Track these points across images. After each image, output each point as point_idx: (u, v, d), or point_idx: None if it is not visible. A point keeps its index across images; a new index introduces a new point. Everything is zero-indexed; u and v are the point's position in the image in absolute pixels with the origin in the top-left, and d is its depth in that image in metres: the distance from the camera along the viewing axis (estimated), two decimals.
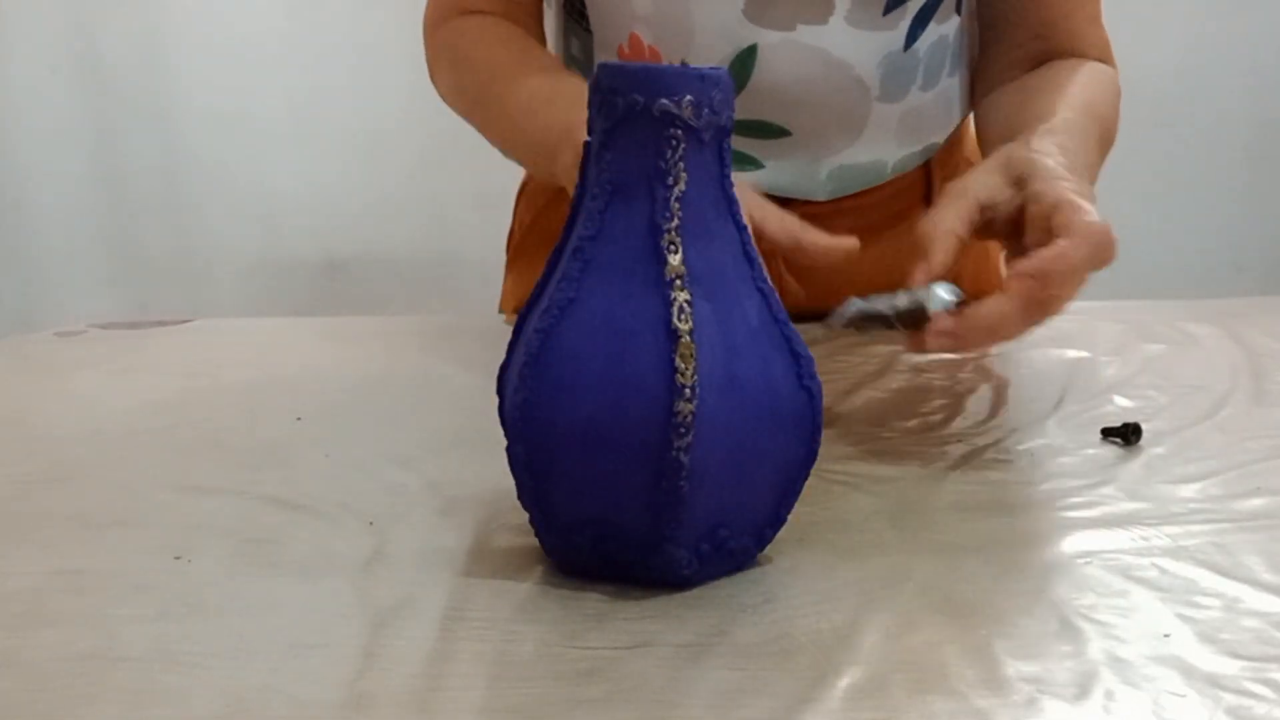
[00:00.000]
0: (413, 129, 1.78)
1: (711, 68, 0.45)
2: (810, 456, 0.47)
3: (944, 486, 0.57)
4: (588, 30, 0.81)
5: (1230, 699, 0.38)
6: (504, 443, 0.50)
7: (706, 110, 0.44)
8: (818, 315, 0.86)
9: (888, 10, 0.76)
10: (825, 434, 0.63)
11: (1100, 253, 0.57)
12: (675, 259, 0.43)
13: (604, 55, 0.81)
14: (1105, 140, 0.76)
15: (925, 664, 0.41)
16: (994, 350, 0.79)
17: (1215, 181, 2.01)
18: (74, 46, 1.91)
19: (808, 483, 0.57)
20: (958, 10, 0.81)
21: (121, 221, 1.99)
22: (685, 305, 0.43)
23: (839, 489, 0.56)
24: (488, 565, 0.49)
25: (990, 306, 0.56)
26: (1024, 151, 0.63)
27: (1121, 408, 0.67)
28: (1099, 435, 0.62)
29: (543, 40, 0.86)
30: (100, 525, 0.54)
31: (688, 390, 0.42)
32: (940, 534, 0.51)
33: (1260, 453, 0.60)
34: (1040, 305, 0.57)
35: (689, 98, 0.43)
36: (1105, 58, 0.83)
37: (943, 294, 0.59)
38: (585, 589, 0.47)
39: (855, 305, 0.60)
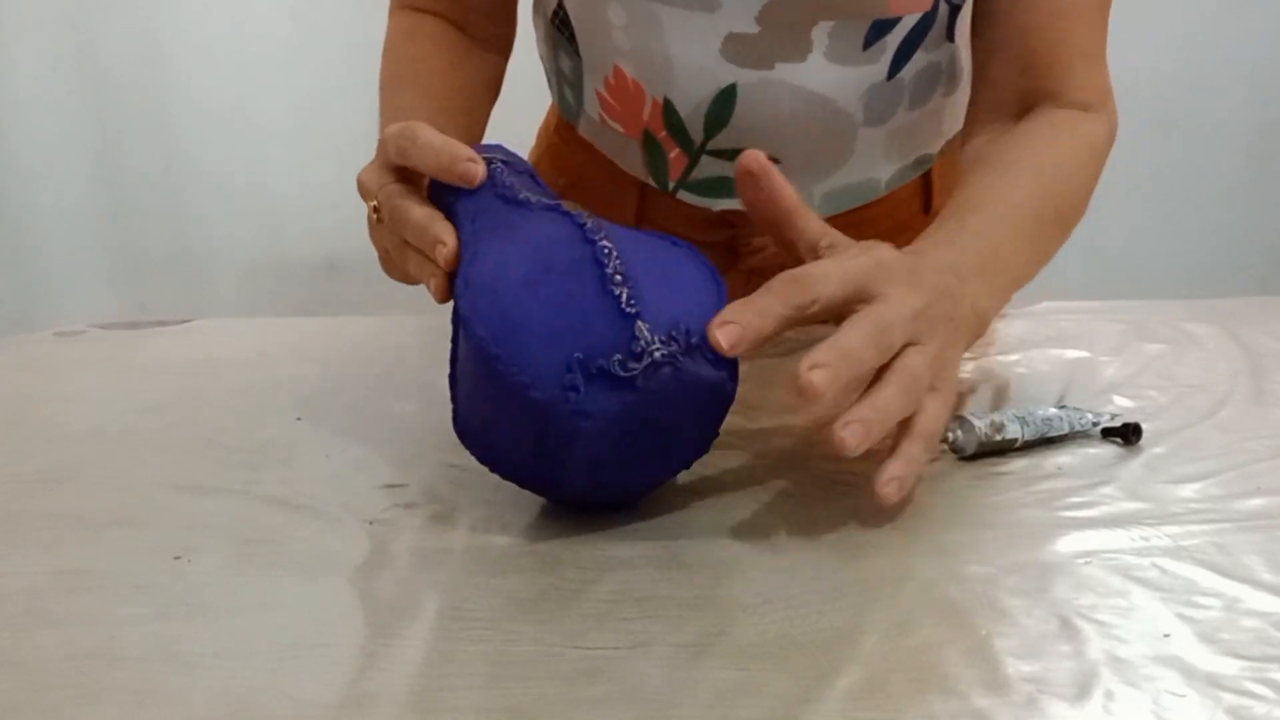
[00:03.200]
0: None
1: (487, 147, 0.61)
2: (719, 285, 0.53)
3: (944, 486, 0.57)
4: (578, 55, 0.81)
5: (1230, 699, 0.38)
6: None
7: (513, 158, 0.60)
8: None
9: (868, 45, 0.74)
10: (825, 434, 0.64)
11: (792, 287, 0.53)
12: (532, 196, 0.55)
13: (593, 80, 0.81)
14: (1051, 223, 0.68)
15: (925, 664, 0.41)
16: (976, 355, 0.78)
17: (1215, 181, 2.01)
18: (74, 46, 1.91)
19: (808, 482, 0.57)
20: (949, 38, 0.78)
21: (121, 222, 1.99)
22: (552, 202, 0.54)
23: (839, 489, 0.56)
24: (488, 565, 0.49)
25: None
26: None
27: (1121, 408, 0.67)
28: (1099, 435, 0.62)
29: (499, 33, 0.84)
30: (100, 525, 0.54)
31: (584, 217, 0.52)
32: (940, 534, 0.51)
33: (1260, 453, 0.60)
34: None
35: (499, 153, 0.59)
36: (1094, 103, 0.73)
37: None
38: (585, 589, 0.47)
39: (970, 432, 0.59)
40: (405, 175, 0.60)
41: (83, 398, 0.74)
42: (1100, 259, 1.97)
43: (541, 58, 0.89)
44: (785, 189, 0.57)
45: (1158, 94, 1.92)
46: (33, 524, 0.54)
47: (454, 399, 0.54)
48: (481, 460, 0.53)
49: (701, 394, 0.50)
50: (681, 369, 0.48)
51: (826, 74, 0.75)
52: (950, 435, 0.59)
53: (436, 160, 0.56)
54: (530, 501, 0.54)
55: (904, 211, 0.87)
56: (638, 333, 0.47)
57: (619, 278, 0.48)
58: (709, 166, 0.80)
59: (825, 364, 0.50)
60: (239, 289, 2.02)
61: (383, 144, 0.59)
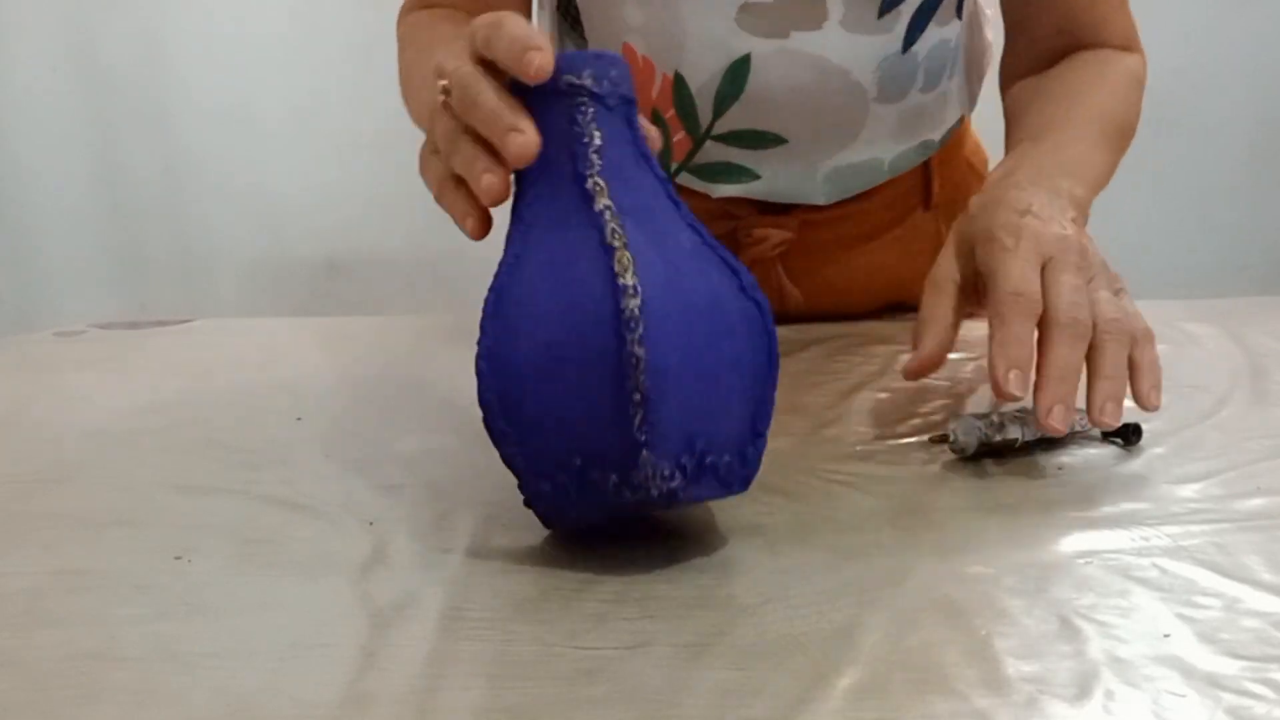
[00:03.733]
0: (413, 129, 1.78)
1: (603, 51, 0.50)
2: (771, 366, 0.48)
3: (944, 486, 0.57)
4: (583, 38, 0.81)
5: (1230, 699, 0.38)
6: None
7: (606, 81, 0.48)
8: (817, 317, 0.87)
9: (882, 13, 0.75)
10: (825, 434, 0.64)
11: (1013, 301, 0.58)
12: (603, 197, 0.47)
13: None
14: (1114, 138, 0.75)
15: (925, 664, 0.41)
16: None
17: (1216, 181, 2.01)
18: (74, 46, 1.91)
19: (808, 482, 0.57)
20: (958, 14, 0.80)
21: (121, 221, 1.99)
22: (617, 227, 0.45)
23: (839, 489, 0.56)
24: (488, 565, 0.49)
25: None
26: (966, 224, 0.65)
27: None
28: (1099, 435, 0.62)
29: None
30: (100, 525, 0.54)
31: (630, 289, 0.44)
32: (940, 534, 0.51)
33: (1260, 453, 0.60)
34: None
35: (588, 71, 0.48)
36: (1129, 45, 0.81)
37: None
38: (585, 589, 0.47)
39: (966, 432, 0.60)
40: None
41: (83, 398, 0.74)
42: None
43: None
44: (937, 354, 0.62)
45: (1158, 94, 1.91)
46: (33, 524, 0.54)
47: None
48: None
49: (697, 501, 0.49)
50: (679, 497, 0.46)
51: (842, 43, 0.76)
52: (950, 434, 0.59)
53: (509, 49, 0.48)
54: None
55: (904, 205, 0.88)
56: (641, 463, 0.44)
57: (638, 396, 0.43)
58: (712, 151, 0.81)
59: (1057, 398, 0.56)
60: (239, 289, 2.02)
61: (471, 31, 0.51)
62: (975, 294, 0.64)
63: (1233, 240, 2.03)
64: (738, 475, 0.48)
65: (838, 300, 0.88)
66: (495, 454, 0.48)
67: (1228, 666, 0.40)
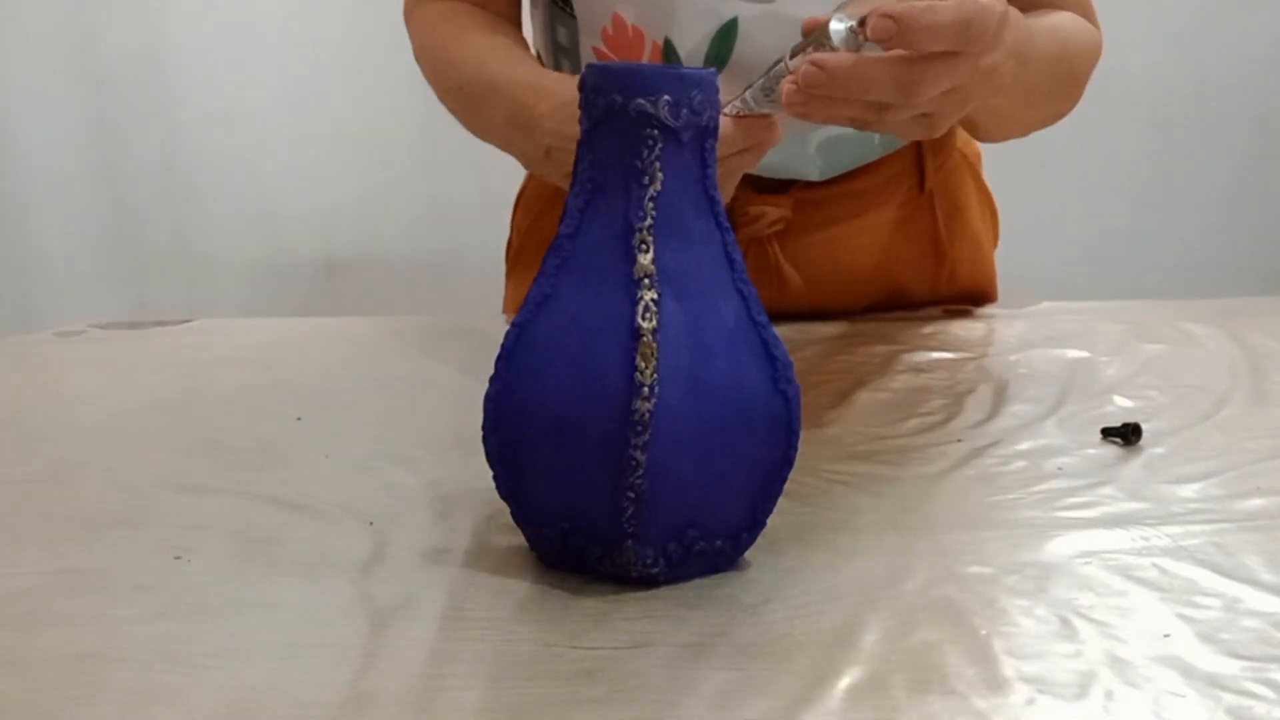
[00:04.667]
0: (413, 129, 1.77)
1: (696, 68, 0.45)
2: (786, 460, 0.47)
3: (944, 487, 0.57)
4: (572, 15, 0.81)
5: (1230, 699, 0.38)
6: None
7: (685, 110, 0.44)
8: (816, 315, 0.87)
9: None
10: (825, 434, 0.64)
11: (969, 22, 0.51)
12: (645, 258, 0.44)
13: (589, 39, 0.81)
14: (1064, 65, 0.72)
15: (925, 664, 0.41)
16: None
17: (1215, 181, 2.01)
18: (74, 46, 1.91)
19: (808, 482, 0.57)
20: None
21: (121, 221, 1.99)
22: (651, 304, 0.43)
23: (839, 489, 0.56)
24: (488, 565, 0.49)
25: (849, 58, 0.51)
26: None
27: (1121, 408, 0.67)
28: (1099, 435, 0.62)
29: (513, 15, 0.86)
30: (100, 525, 0.54)
31: (645, 389, 0.42)
32: (940, 534, 0.51)
33: (1260, 453, 0.60)
34: (903, 76, 0.51)
35: (666, 97, 0.43)
36: (1086, 15, 0.80)
37: (837, 25, 0.52)
38: (585, 589, 0.47)
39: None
40: None
41: (83, 398, 0.74)
42: (1100, 259, 1.97)
43: (536, 46, 0.89)
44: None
45: (1158, 94, 1.92)
46: (33, 524, 0.54)
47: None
48: None
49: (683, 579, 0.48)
50: (661, 578, 0.46)
51: (829, 6, 0.75)
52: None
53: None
54: None
55: (898, 186, 0.88)
56: (625, 550, 0.45)
57: (631, 494, 0.43)
58: None
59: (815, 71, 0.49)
60: (239, 289, 2.02)
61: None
62: None
63: (1233, 240, 2.03)
64: (726, 557, 0.48)
65: (836, 284, 0.88)
66: None
67: (1228, 666, 0.40)
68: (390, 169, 1.91)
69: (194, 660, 0.42)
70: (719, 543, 0.47)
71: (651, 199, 0.44)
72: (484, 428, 0.47)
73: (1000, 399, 0.69)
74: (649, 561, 0.45)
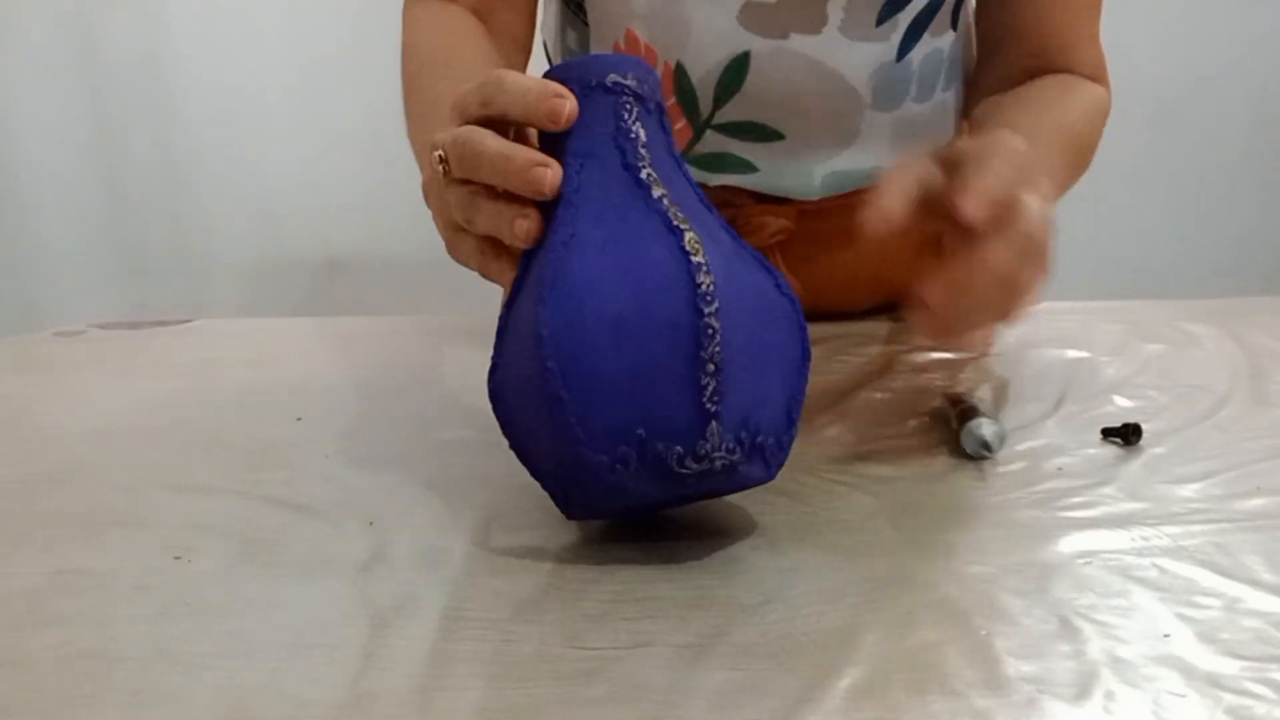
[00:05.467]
0: None
1: (641, 60, 0.51)
2: (805, 359, 0.50)
3: (944, 486, 0.57)
4: (585, 23, 0.81)
5: (1230, 699, 0.38)
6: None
7: (646, 85, 0.50)
8: (817, 311, 0.87)
9: (880, 22, 0.76)
10: (825, 434, 0.64)
11: (1013, 162, 0.54)
12: (659, 187, 0.48)
13: (600, 49, 0.81)
14: (1074, 154, 0.76)
15: (925, 664, 0.41)
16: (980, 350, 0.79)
17: (1215, 181, 2.01)
18: (74, 46, 1.91)
19: (808, 482, 0.57)
20: (953, 25, 0.81)
21: (121, 221, 1.99)
22: (679, 214, 0.47)
23: (839, 489, 0.56)
24: (488, 565, 0.49)
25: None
26: (962, 144, 0.60)
27: (1121, 408, 0.67)
28: (1099, 435, 0.62)
29: (520, 30, 0.84)
30: (100, 525, 0.54)
31: (704, 266, 0.45)
32: (940, 534, 0.51)
33: (1260, 453, 0.60)
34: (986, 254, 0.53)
35: (631, 73, 0.49)
36: (1098, 77, 0.83)
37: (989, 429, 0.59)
38: (585, 589, 0.47)
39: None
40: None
41: (83, 398, 0.74)
42: (1100, 259, 1.97)
43: (546, 46, 0.89)
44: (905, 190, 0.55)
45: (1158, 93, 1.92)
46: (33, 524, 0.54)
47: (497, 351, 0.50)
48: (503, 431, 0.51)
49: (743, 485, 0.49)
50: (736, 471, 0.47)
51: (838, 48, 0.77)
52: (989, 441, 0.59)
53: (524, 101, 0.48)
54: (530, 501, 0.54)
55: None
56: (708, 434, 0.45)
57: (711, 367, 0.45)
58: (712, 141, 0.81)
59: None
60: (239, 289, 2.02)
61: (461, 99, 0.51)
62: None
63: (1233, 240, 2.03)
64: (775, 461, 0.49)
65: (837, 293, 0.88)
66: (495, 455, 0.48)
67: (1228, 666, 0.40)
68: (390, 169, 1.90)
69: (194, 660, 0.42)
70: (770, 439, 0.48)
71: (643, 146, 0.49)
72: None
73: (1000, 399, 0.69)
74: (730, 447, 0.46)
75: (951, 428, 0.62)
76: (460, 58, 0.76)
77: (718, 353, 0.45)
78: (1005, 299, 0.54)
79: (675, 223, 0.46)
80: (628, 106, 0.49)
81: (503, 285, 0.50)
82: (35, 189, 1.95)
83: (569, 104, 0.48)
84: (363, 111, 1.89)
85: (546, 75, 0.49)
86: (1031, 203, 0.54)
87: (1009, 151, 0.56)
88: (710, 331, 0.45)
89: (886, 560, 0.49)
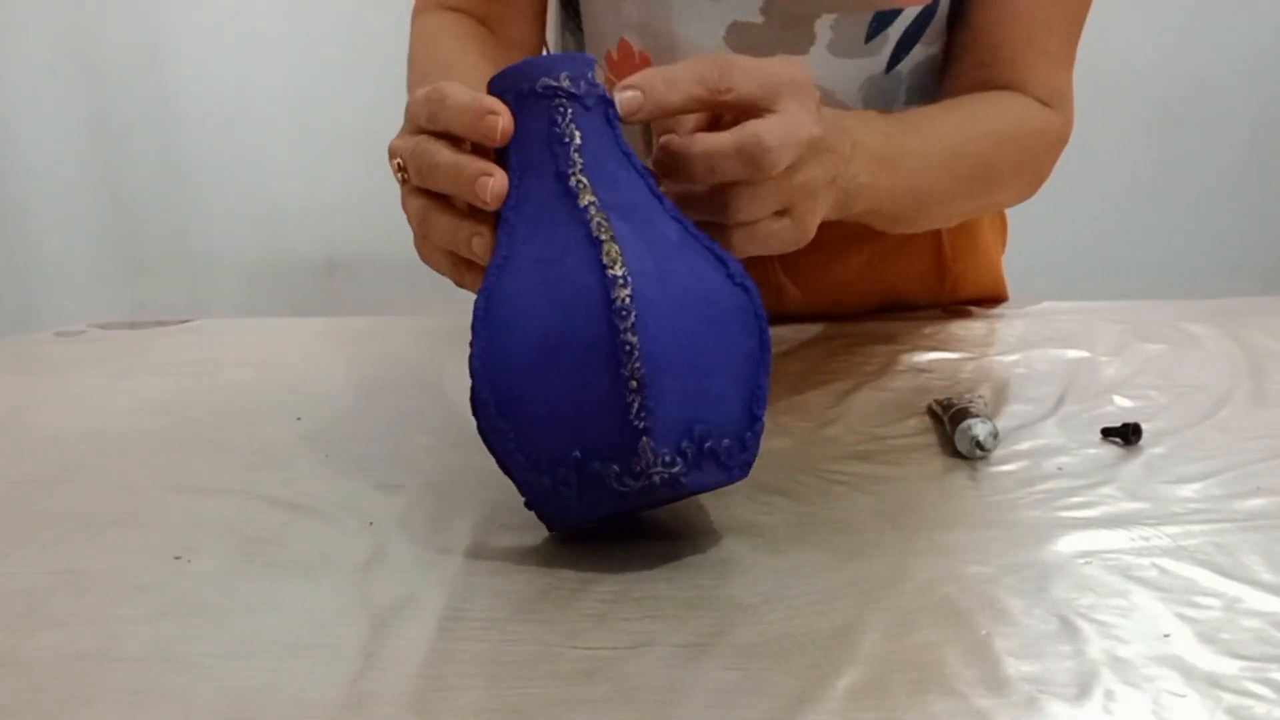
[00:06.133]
0: None
1: (579, 54, 0.50)
2: (763, 350, 0.49)
3: (944, 486, 0.57)
4: (580, 30, 0.81)
5: (1230, 699, 0.38)
6: None
7: (583, 82, 0.49)
8: (816, 316, 0.87)
9: (870, 38, 0.75)
10: (825, 434, 0.64)
11: (744, 152, 0.50)
12: (587, 194, 0.47)
13: (594, 56, 0.81)
14: (967, 166, 0.69)
15: (925, 664, 0.41)
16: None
17: (1216, 182, 2.01)
18: (74, 46, 1.91)
19: (808, 482, 0.57)
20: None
21: (121, 221, 1.99)
22: (603, 221, 0.46)
23: (839, 489, 0.56)
24: (488, 565, 0.49)
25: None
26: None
27: (1121, 408, 0.67)
28: (1099, 435, 0.62)
29: (528, 37, 0.84)
30: (100, 525, 0.54)
31: (619, 279, 0.45)
32: (940, 534, 0.51)
33: (1260, 453, 0.60)
34: (715, 199, 0.52)
35: (565, 73, 0.49)
36: (1050, 101, 0.75)
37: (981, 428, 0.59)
38: (585, 589, 0.47)
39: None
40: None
41: (83, 398, 0.74)
42: (1100, 259, 1.97)
43: (549, 46, 0.89)
44: (663, 94, 0.50)
45: (1157, 93, 1.92)
46: (33, 524, 0.54)
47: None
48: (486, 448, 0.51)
49: (698, 491, 0.48)
50: (679, 483, 0.46)
51: (827, 67, 0.75)
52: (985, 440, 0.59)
53: (462, 119, 0.49)
54: None
55: None
56: (640, 450, 0.45)
57: (634, 384, 0.44)
58: None
59: (670, 143, 0.50)
60: (239, 289, 2.02)
61: (411, 109, 0.52)
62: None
63: (1232, 240, 2.03)
64: (738, 460, 0.48)
65: (836, 298, 0.88)
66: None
67: (1228, 666, 0.40)
68: (390, 169, 1.91)
69: (194, 660, 0.42)
70: (726, 441, 0.47)
71: (576, 150, 0.48)
72: (475, 386, 0.47)
73: (1000, 399, 0.69)
74: (667, 460, 0.45)
75: (945, 429, 0.62)
76: (463, 65, 0.76)
77: (638, 369, 0.44)
78: (722, 197, 0.52)
79: (597, 233, 0.46)
80: (561, 109, 0.48)
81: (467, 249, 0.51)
82: (35, 189, 1.95)
83: (501, 120, 0.48)
84: (363, 112, 1.89)
85: (489, 84, 0.50)
86: (770, 121, 0.51)
87: (763, 66, 0.52)
88: (628, 348, 0.44)
89: (886, 560, 0.49)
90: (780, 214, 0.53)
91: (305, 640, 0.43)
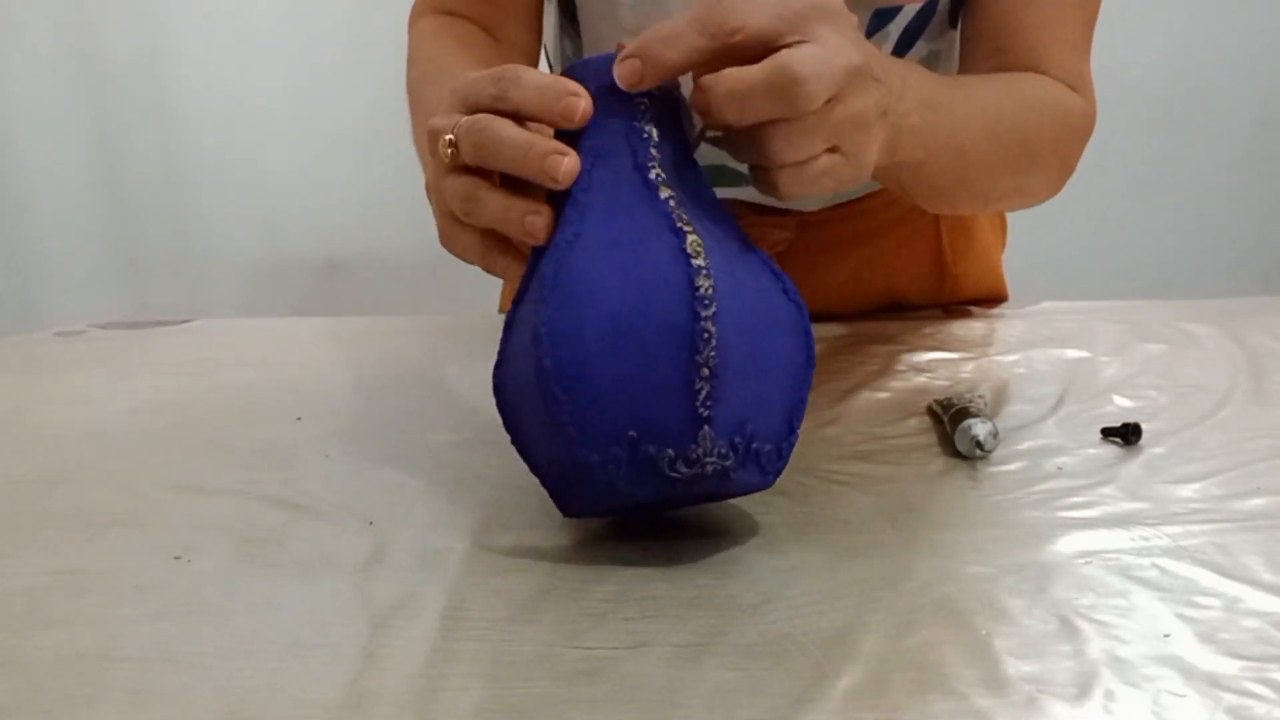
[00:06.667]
0: None
1: None
2: (809, 366, 0.49)
3: (944, 486, 0.57)
4: (578, 34, 0.81)
5: (1230, 699, 0.38)
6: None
7: (662, 84, 0.49)
8: (817, 317, 0.87)
9: (869, 35, 0.74)
10: (825, 433, 0.64)
11: (776, 88, 0.46)
12: (666, 189, 0.48)
13: None
14: (1007, 133, 0.66)
15: (925, 664, 0.41)
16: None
17: (1215, 181, 2.01)
18: (74, 46, 1.91)
19: (808, 482, 0.57)
20: (952, 24, 0.78)
21: (121, 221, 1.99)
22: (683, 216, 0.46)
23: (839, 489, 0.56)
24: (488, 565, 0.49)
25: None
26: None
27: (1121, 408, 0.67)
28: (1099, 435, 0.62)
29: (526, 41, 0.84)
30: (100, 525, 0.54)
31: (704, 269, 0.45)
32: (940, 534, 0.51)
33: (1260, 453, 0.60)
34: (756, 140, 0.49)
35: None
36: (1073, 86, 0.73)
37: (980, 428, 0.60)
38: (585, 589, 0.47)
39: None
40: None
41: (83, 398, 0.74)
42: (1100, 259, 1.97)
43: (547, 50, 0.89)
44: (667, 56, 0.47)
45: (1157, 94, 1.92)
46: (33, 524, 0.54)
47: (503, 345, 0.50)
48: (505, 425, 0.51)
49: (738, 491, 0.49)
50: (728, 477, 0.46)
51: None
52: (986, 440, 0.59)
53: (540, 98, 0.47)
54: (530, 501, 0.54)
55: (903, 204, 0.87)
56: (700, 439, 0.45)
57: (706, 371, 0.44)
58: (709, 154, 0.80)
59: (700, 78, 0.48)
60: (239, 289, 2.02)
61: (470, 88, 0.49)
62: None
63: (1232, 240, 2.03)
64: (774, 467, 0.49)
65: (838, 299, 0.88)
66: (495, 454, 0.48)
67: (1228, 666, 0.40)
68: (390, 169, 1.90)
69: (194, 660, 0.42)
70: (768, 445, 0.48)
71: (655, 146, 0.48)
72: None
73: (1000, 399, 0.69)
74: (723, 452, 0.46)
75: (945, 429, 0.62)
76: (463, 65, 0.76)
77: (713, 357, 0.44)
78: (760, 137, 0.49)
79: (679, 224, 0.46)
80: (641, 106, 0.49)
81: (507, 280, 0.50)
82: (35, 189, 1.95)
83: (584, 102, 0.47)
84: (363, 112, 1.89)
85: (565, 73, 0.49)
86: (799, 50, 0.47)
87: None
88: (706, 335, 0.44)
89: (886, 560, 0.49)
90: (831, 150, 0.50)
91: (305, 640, 0.43)
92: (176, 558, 0.50)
